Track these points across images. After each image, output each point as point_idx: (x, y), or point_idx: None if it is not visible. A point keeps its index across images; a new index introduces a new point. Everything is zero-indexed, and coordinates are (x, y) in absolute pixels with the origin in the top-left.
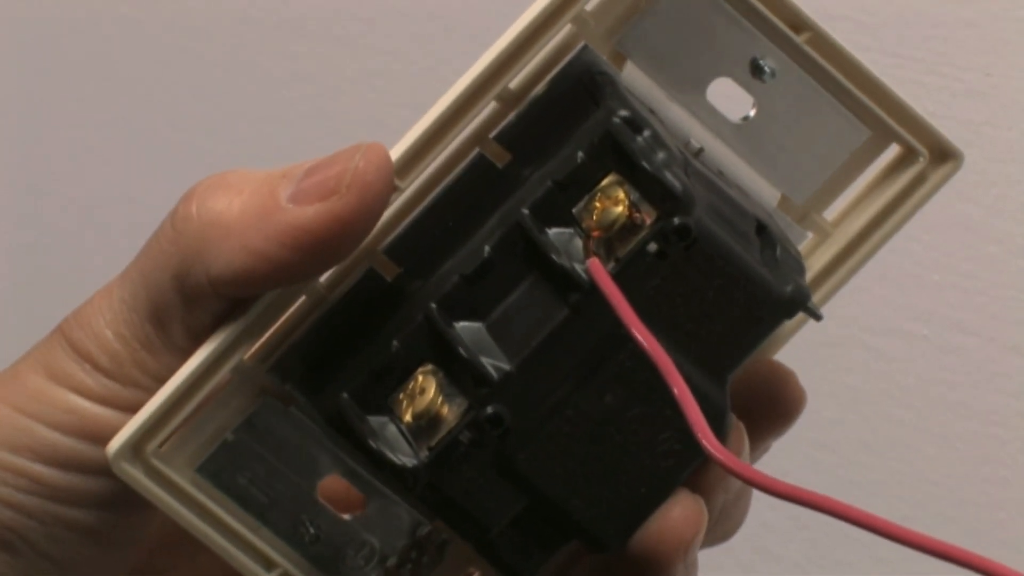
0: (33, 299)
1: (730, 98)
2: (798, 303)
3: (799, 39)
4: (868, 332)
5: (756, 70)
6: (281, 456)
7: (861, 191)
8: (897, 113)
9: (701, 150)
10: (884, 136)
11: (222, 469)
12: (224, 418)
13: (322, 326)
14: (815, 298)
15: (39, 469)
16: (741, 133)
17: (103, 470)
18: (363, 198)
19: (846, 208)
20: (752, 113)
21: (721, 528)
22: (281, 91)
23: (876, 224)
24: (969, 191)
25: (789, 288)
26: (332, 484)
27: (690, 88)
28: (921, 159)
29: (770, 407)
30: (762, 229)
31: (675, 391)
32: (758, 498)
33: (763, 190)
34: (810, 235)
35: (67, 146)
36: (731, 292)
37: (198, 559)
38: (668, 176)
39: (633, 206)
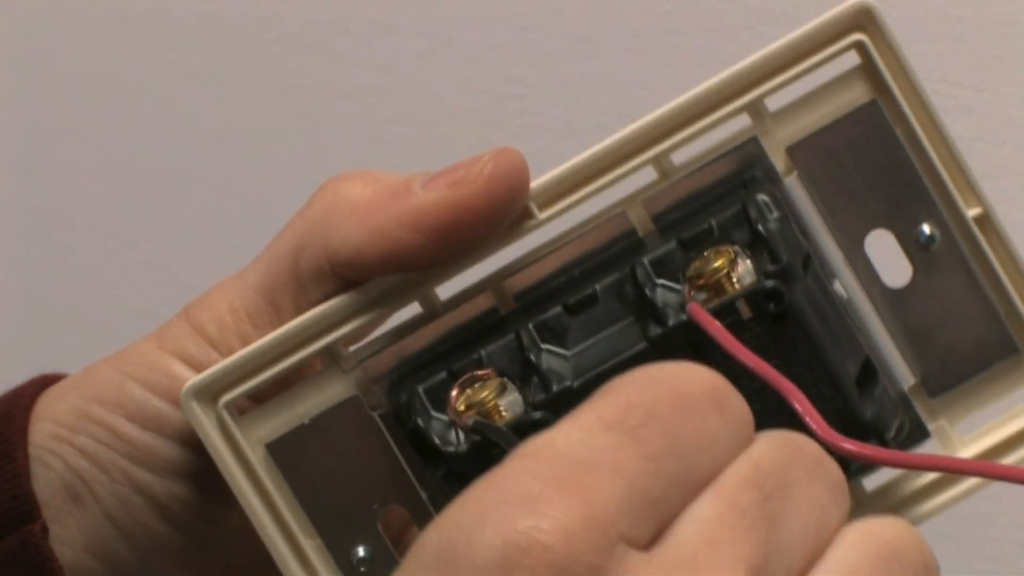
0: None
1: (892, 259)
2: (872, 430)
3: (969, 212)
4: None
5: (923, 237)
6: (354, 464)
7: (1003, 417)
8: None
9: (848, 299)
10: None
11: (292, 454)
12: (309, 404)
13: (432, 346)
14: (922, 512)
15: (121, 423)
16: (890, 299)
17: (181, 437)
18: (489, 189)
19: (980, 431)
20: (907, 281)
21: None
22: (274, 105)
23: (1000, 451)
24: None
25: (870, 413)
26: (393, 515)
27: (850, 229)
28: None
29: None
30: (868, 366)
31: (797, 407)
32: None
33: (899, 367)
34: (933, 438)
35: (63, 167)
36: (806, 382)
37: None
38: (779, 245)
39: (735, 262)
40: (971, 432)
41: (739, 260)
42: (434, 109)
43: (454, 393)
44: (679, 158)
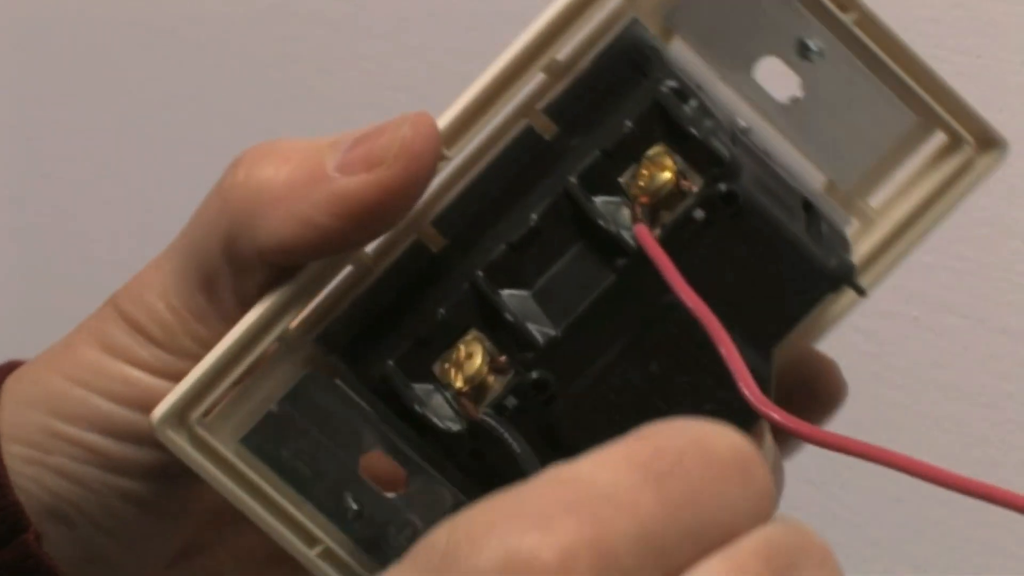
0: (32, 289)
1: (777, 79)
2: (843, 276)
3: (847, 19)
4: (859, 314)
5: (804, 50)
6: (325, 429)
7: (906, 179)
8: (944, 100)
9: (748, 129)
10: (930, 122)
11: (266, 441)
12: (269, 389)
13: (368, 297)
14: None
15: (94, 439)
16: (788, 114)
17: (154, 439)
18: (409, 168)
19: (891, 196)
20: (799, 94)
21: None
22: (271, 73)
23: (920, 212)
24: None
25: (833, 261)
26: (375, 463)
27: (737, 66)
28: (967, 147)
29: (811, 396)
30: (808, 206)
31: (723, 349)
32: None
33: (808, 173)
34: (855, 221)
35: (59, 129)
36: (776, 263)
37: (244, 535)
38: (715, 143)
39: (680, 173)
40: (885, 200)
41: (681, 172)
42: (434, 76)
43: (445, 368)
44: (563, 53)
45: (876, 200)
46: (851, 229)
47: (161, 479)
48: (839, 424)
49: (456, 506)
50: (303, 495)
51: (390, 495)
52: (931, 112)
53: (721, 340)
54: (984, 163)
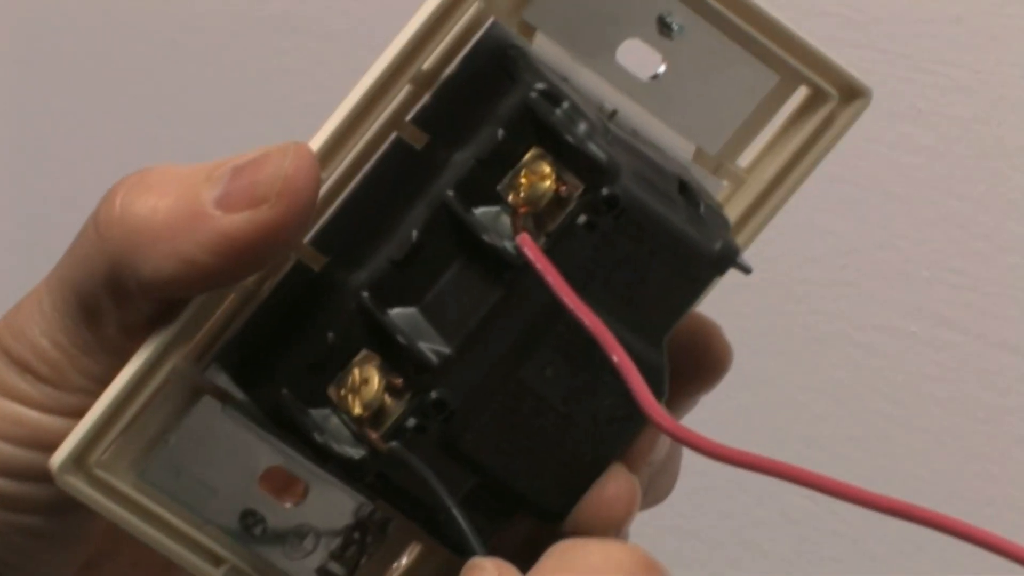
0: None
1: (641, 58)
2: (728, 259)
3: None
4: (857, 328)
5: (664, 28)
6: (221, 453)
7: (773, 136)
8: (803, 56)
9: (615, 112)
10: (792, 79)
11: (164, 472)
12: (162, 420)
13: (254, 322)
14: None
15: None
16: (652, 91)
17: (48, 476)
18: (292, 206)
19: (759, 154)
20: (661, 70)
21: (651, 496)
22: (268, 87)
23: (790, 167)
24: (958, 187)
25: (718, 245)
26: (273, 472)
27: (600, 52)
28: (831, 99)
29: (697, 362)
30: (684, 187)
31: (614, 358)
32: (748, 492)
33: (677, 144)
34: (725, 184)
35: (55, 140)
36: (662, 255)
37: (142, 544)
38: (592, 147)
39: (559, 179)
40: (753, 159)
41: (560, 178)
42: None
43: (341, 394)
44: (428, 63)
45: (745, 160)
46: (723, 191)
47: (61, 512)
48: (837, 437)
49: (356, 508)
50: (205, 517)
51: (288, 505)
52: (792, 69)
53: (612, 348)
54: (849, 113)
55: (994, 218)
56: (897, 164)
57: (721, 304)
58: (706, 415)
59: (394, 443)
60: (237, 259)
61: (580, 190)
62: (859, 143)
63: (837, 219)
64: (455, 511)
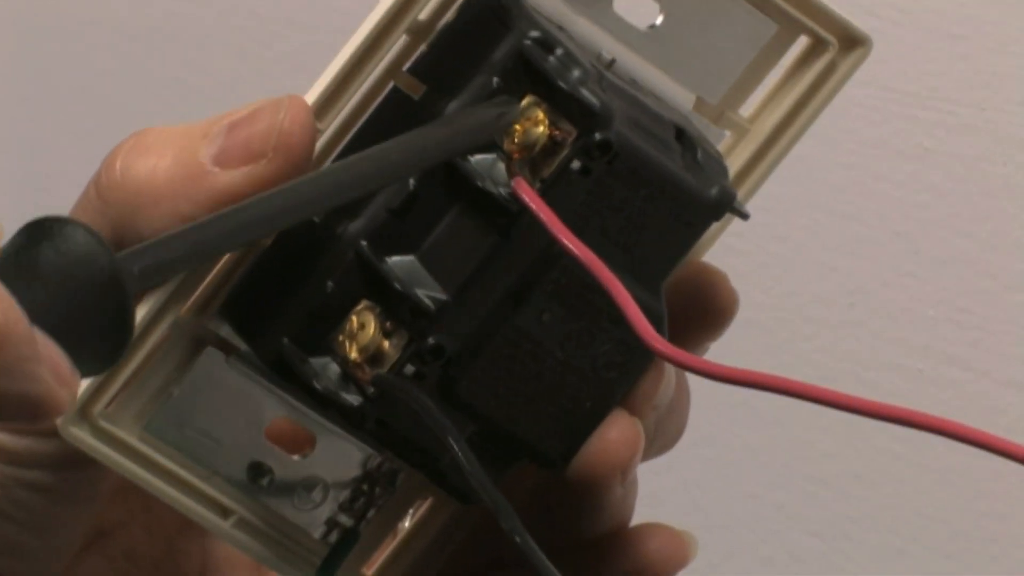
0: None
1: (639, 7)
2: (724, 204)
3: None
4: (863, 366)
5: None
6: (226, 405)
7: (775, 85)
8: (802, 5)
9: (613, 61)
10: (792, 28)
11: (169, 424)
12: (167, 372)
13: (255, 273)
14: (739, 195)
15: None
16: (650, 40)
17: (54, 432)
18: (289, 159)
19: (761, 103)
20: (659, 20)
21: (659, 442)
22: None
23: (792, 116)
24: (964, 226)
25: (714, 190)
26: (280, 425)
27: (597, 2)
28: (831, 48)
29: (703, 310)
30: (681, 134)
31: (613, 293)
32: (754, 531)
33: (677, 94)
34: (728, 134)
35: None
36: (657, 200)
37: (154, 509)
38: (585, 92)
39: (553, 125)
40: (755, 109)
41: (553, 123)
42: None
43: (340, 340)
44: (424, 13)
45: (747, 110)
46: (725, 142)
47: (67, 467)
48: (843, 475)
49: (364, 459)
50: (211, 469)
51: (296, 457)
52: (791, 19)
53: (611, 284)
54: (849, 62)
55: (1000, 257)
56: (903, 203)
57: (728, 342)
58: (713, 453)
59: (379, 371)
60: None
61: (574, 135)
62: (866, 181)
63: (844, 257)
64: (449, 436)
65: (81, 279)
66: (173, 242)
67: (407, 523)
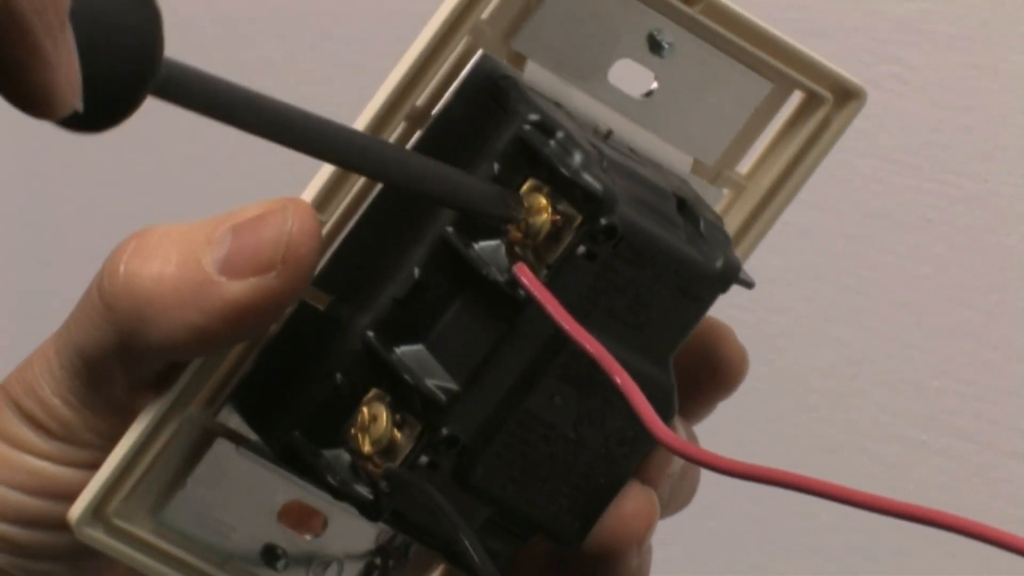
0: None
1: (633, 76)
2: (730, 276)
3: (692, 11)
4: (867, 438)
5: (654, 46)
6: (238, 492)
7: (771, 141)
8: (795, 62)
9: (610, 132)
10: (786, 85)
11: (182, 515)
12: (177, 466)
13: (262, 364)
14: (739, 252)
15: (9, 530)
16: (646, 108)
17: (64, 523)
18: (297, 271)
19: (758, 160)
20: (654, 87)
21: (674, 504)
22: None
23: (789, 171)
24: (967, 297)
25: (719, 263)
26: (291, 509)
27: (592, 75)
28: (825, 102)
29: (713, 368)
30: (683, 204)
31: (617, 381)
32: None
33: (674, 158)
34: (725, 192)
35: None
36: (663, 278)
37: None
38: (587, 178)
39: (556, 211)
40: (753, 166)
41: (555, 204)
42: None
43: (352, 433)
44: (421, 99)
45: (744, 166)
46: (724, 200)
47: (79, 557)
48: (847, 548)
49: (377, 534)
50: (225, 555)
51: (308, 537)
52: (785, 76)
53: (614, 371)
54: (845, 115)
55: (1003, 328)
56: (907, 274)
57: (732, 413)
58: (715, 524)
59: (390, 464)
60: (245, 324)
61: (578, 220)
62: (869, 253)
63: (847, 329)
64: (461, 527)
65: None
66: (213, 81)
67: None
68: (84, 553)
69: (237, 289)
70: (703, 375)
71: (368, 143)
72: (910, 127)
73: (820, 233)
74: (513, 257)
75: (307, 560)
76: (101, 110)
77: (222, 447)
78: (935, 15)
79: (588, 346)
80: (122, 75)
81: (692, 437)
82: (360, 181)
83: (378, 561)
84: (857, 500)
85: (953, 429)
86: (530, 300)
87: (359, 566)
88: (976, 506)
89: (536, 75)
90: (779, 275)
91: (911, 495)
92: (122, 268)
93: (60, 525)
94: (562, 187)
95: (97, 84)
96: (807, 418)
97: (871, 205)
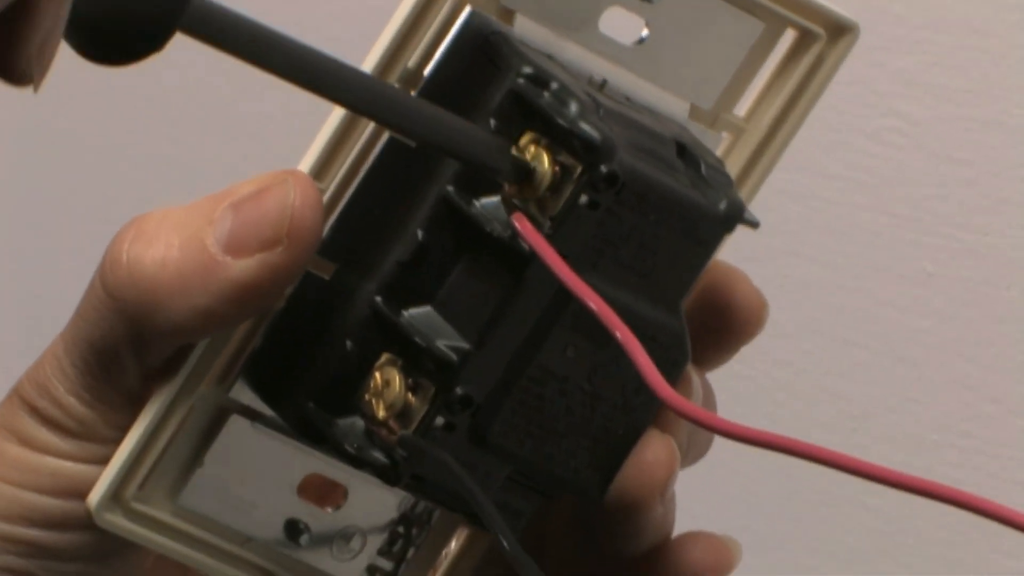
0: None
1: (624, 24)
2: (734, 216)
3: None
4: (867, 492)
5: None
6: (257, 469)
7: (766, 81)
8: (786, 0)
9: (605, 82)
10: (778, 24)
11: (202, 495)
12: (193, 445)
13: (272, 338)
14: (743, 194)
15: (34, 533)
16: (639, 55)
17: (92, 523)
18: (303, 244)
19: (755, 101)
20: (645, 34)
21: (693, 452)
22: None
23: (787, 110)
24: (967, 350)
25: (723, 204)
26: (310, 479)
27: (582, 25)
28: (819, 39)
29: (726, 312)
30: (682, 149)
31: (618, 335)
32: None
33: (672, 104)
34: (725, 135)
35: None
36: (668, 223)
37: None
38: (585, 127)
39: (555, 162)
40: (750, 107)
41: (555, 155)
42: None
43: (366, 399)
44: (412, 60)
45: (741, 109)
46: (723, 143)
47: (105, 555)
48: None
49: (399, 501)
50: (248, 533)
51: (330, 510)
52: (776, 15)
53: (615, 325)
54: (838, 50)
55: (1004, 381)
56: (907, 328)
57: (732, 470)
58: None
59: (404, 432)
60: (253, 302)
61: (579, 170)
62: (869, 306)
63: (847, 383)
64: (477, 495)
65: None
66: (241, 20)
67: (449, 551)
68: (109, 552)
69: (243, 267)
70: (718, 320)
71: (386, 88)
72: (910, 180)
73: (820, 286)
74: (509, 208)
75: (330, 534)
76: (133, 41)
77: (237, 424)
78: (936, 68)
79: (588, 299)
80: (155, 8)
81: (706, 386)
82: (356, 147)
83: (401, 529)
84: (862, 469)
85: (953, 483)
86: (534, 256)
87: (383, 537)
88: (976, 559)
89: (526, 29)
90: (779, 328)
91: (910, 549)
92: (124, 257)
93: (85, 524)
94: (560, 138)
95: (130, 16)
96: (806, 472)
97: (871, 258)
